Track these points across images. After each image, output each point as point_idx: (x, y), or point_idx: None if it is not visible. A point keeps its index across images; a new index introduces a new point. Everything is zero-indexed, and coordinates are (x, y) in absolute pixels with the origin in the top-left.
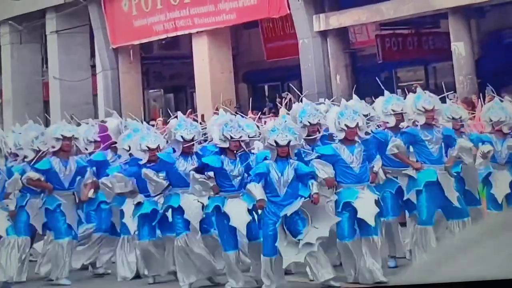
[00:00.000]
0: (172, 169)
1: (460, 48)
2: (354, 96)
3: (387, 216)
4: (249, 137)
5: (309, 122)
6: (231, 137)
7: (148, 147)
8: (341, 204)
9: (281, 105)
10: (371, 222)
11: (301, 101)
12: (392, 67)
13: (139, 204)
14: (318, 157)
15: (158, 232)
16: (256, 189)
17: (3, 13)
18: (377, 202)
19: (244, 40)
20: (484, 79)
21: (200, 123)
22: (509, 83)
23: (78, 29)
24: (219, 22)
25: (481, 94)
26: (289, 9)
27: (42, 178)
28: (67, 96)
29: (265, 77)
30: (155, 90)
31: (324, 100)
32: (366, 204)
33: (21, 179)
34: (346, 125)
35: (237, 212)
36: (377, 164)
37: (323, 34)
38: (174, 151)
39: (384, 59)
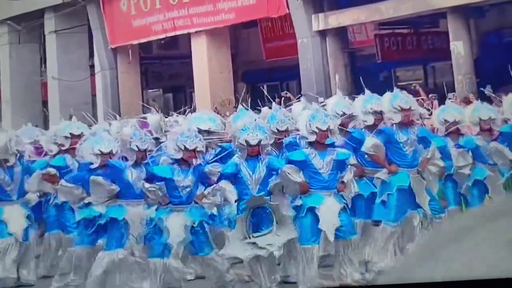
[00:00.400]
0: (122, 177)
1: (459, 48)
2: (338, 91)
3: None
4: (209, 131)
5: (277, 129)
6: (185, 148)
7: (100, 151)
8: (305, 209)
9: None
10: (330, 237)
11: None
12: (391, 66)
13: (88, 205)
14: (288, 163)
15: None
16: (229, 189)
17: (2, 13)
18: (344, 208)
19: (243, 40)
20: (483, 79)
21: None
22: (508, 83)
23: (76, 29)
24: (218, 22)
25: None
26: (288, 8)
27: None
28: (66, 96)
29: (264, 77)
30: (154, 90)
31: (324, 100)
32: (328, 215)
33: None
34: (317, 128)
35: (175, 229)
36: (347, 175)
37: (322, 33)
38: (125, 159)
39: (383, 58)
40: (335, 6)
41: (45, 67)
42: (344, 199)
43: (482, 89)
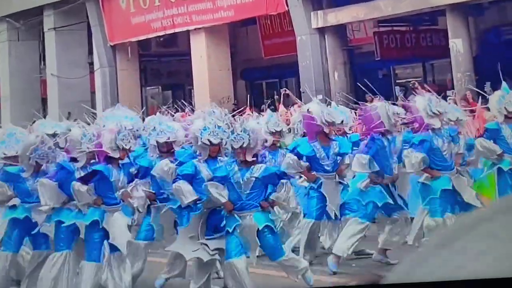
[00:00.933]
0: (71, 180)
1: (458, 45)
2: (313, 98)
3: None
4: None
5: (209, 141)
6: (123, 147)
7: (4, 154)
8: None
9: (279, 102)
10: (253, 259)
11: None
12: (390, 64)
13: (12, 207)
14: (210, 179)
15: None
16: (187, 188)
17: (1, 10)
18: (271, 229)
19: (242, 37)
20: (482, 76)
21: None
22: (507, 80)
23: (76, 26)
24: (217, 19)
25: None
26: (287, 6)
27: None
28: (65, 93)
29: (263, 74)
30: (153, 87)
31: (322, 97)
32: (250, 238)
33: None
34: (232, 146)
35: (118, 229)
36: (276, 195)
37: (321, 31)
38: (75, 160)
39: (382, 56)
40: (334, 3)
41: (44, 64)
42: (272, 219)
43: (474, 89)
